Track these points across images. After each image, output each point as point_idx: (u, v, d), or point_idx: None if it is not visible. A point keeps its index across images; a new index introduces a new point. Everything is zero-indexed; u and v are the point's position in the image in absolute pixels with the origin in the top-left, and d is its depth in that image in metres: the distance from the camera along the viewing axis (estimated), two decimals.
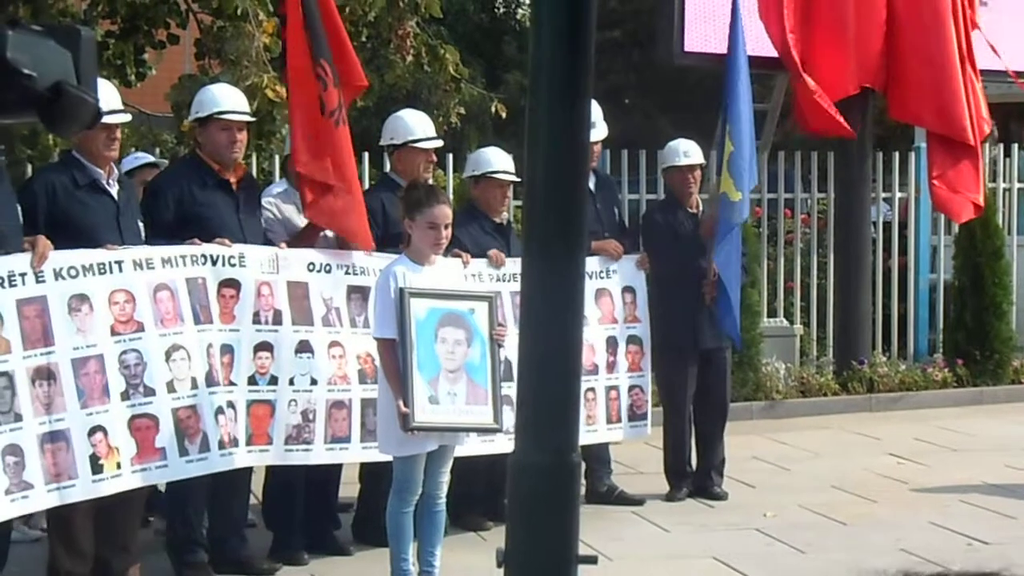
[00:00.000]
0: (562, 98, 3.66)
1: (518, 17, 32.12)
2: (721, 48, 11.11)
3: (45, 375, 6.76)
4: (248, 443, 7.49)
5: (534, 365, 3.76)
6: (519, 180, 9.70)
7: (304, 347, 7.73)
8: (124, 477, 6.97)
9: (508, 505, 3.94)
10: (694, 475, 9.76)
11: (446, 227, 7.33)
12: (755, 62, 12.02)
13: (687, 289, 9.53)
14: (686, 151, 9.85)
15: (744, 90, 9.75)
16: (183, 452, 7.16)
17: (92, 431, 6.87)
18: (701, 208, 9.84)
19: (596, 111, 8.98)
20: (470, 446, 7.81)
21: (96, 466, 6.87)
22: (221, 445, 7.32)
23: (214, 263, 7.45)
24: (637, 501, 9.50)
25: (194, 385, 7.24)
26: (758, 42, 12.16)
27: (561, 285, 3.72)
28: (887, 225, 14.72)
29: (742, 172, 9.59)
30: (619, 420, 9.07)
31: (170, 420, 7.13)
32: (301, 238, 8.05)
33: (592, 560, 3.86)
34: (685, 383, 9.73)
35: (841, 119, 12.58)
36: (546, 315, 3.72)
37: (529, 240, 3.78)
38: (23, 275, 6.71)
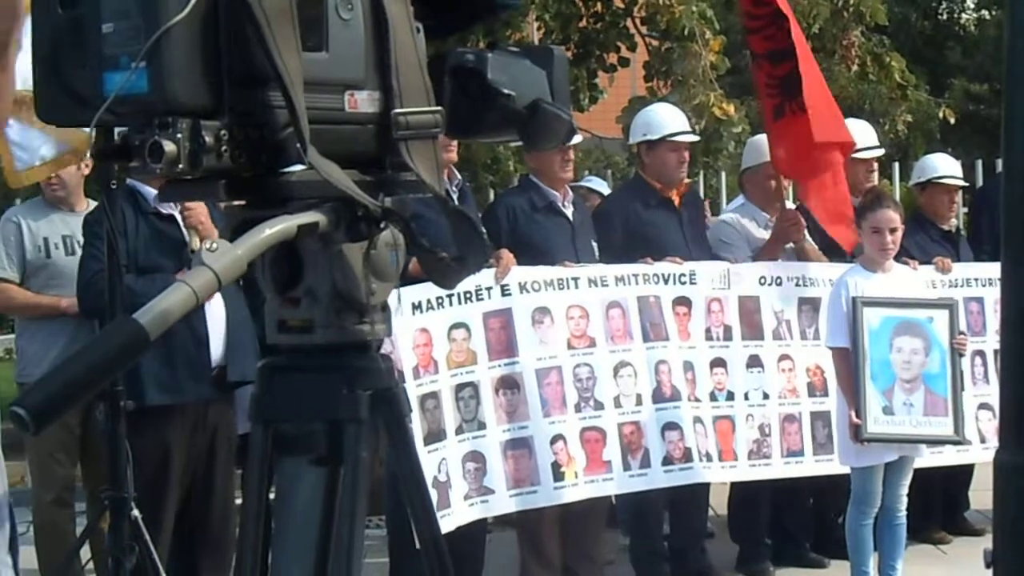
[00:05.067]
0: None
1: (962, 22, 31.26)
2: None
3: (509, 384, 7.04)
4: (720, 459, 7.60)
5: (1019, 364, 3.72)
6: (967, 185, 9.51)
7: (755, 362, 7.78)
8: (579, 487, 7.19)
9: (994, 506, 3.91)
10: None
11: (892, 231, 7.24)
12: None
13: None
14: None
15: None
16: (626, 467, 7.31)
17: (554, 439, 7.11)
18: None
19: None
20: (934, 457, 7.70)
21: (557, 473, 7.10)
22: (690, 458, 7.43)
23: (666, 282, 7.59)
24: None
25: (639, 402, 7.38)
26: None
27: None
28: None
29: None
30: None
31: (616, 434, 7.30)
32: (765, 252, 8.09)
33: None
34: None
35: None
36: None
37: (1009, 242, 3.76)
38: (489, 289, 7.03)
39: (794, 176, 8.41)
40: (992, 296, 8.21)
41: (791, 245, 8.16)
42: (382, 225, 2.37)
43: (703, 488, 7.94)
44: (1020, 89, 3.69)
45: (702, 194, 10.91)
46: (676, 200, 7.99)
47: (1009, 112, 3.71)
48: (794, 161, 8.14)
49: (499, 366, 7.02)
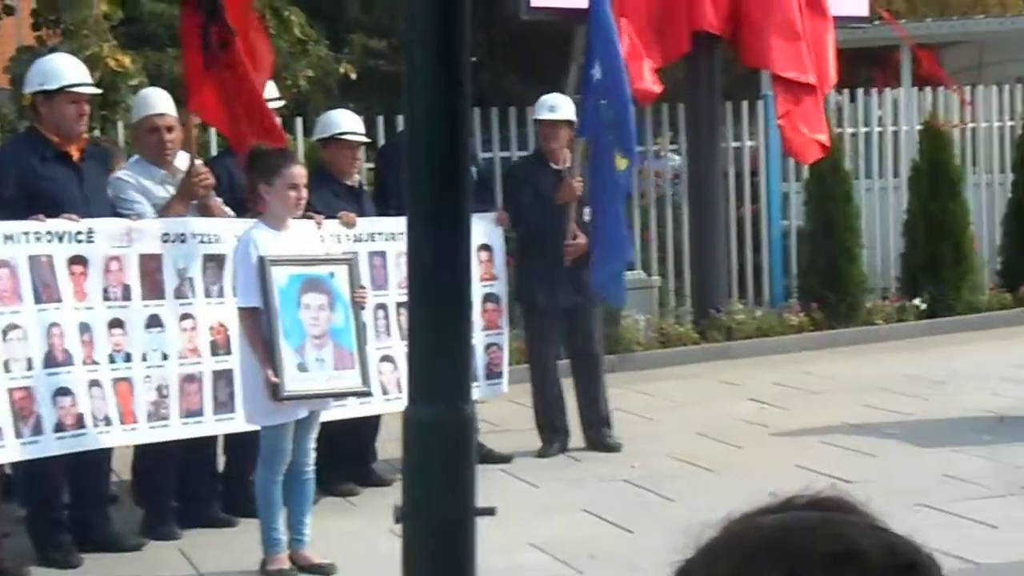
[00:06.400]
0: (439, 55, 3.66)
1: None
2: (568, 3, 11.07)
3: None
4: (121, 422, 7.37)
5: (425, 320, 3.77)
6: (369, 141, 9.64)
7: (154, 321, 7.61)
8: None
9: (403, 460, 3.97)
10: (584, 430, 9.77)
11: (304, 187, 7.26)
12: (558, 13, 12.15)
13: (549, 246, 9.46)
14: (552, 105, 9.74)
15: (616, 53, 9.56)
16: (19, 434, 6.99)
17: None
18: (568, 165, 9.72)
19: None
20: (338, 410, 7.78)
21: None
22: (83, 424, 7.18)
23: (60, 240, 7.26)
24: (505, 458, 9.48)
25: (30, 366, 7.07)
26: None
27: (450, 241, 3.74)
28: (738, 173, 14.84)
29: (626, 140, 9.51)
30: (475, 379, 9.00)
31: (6, 400, 6.96)
32: (170, 208, 7.87)
33: (490, 512, 3.84)
34: (549, 340, 9.72)
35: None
36: (435, 271, 3.72)
37: (415, 198, 3.76)
38: None
39: (219, 127, 8.21)
40: (394, 250, 8.40)
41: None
42: None
43: (105, 453, 7.70)
44: (420, 49, 3.70)
45: None
46: (76, 155, 7.66)
47: (410, 73, 3.71)
48: (221, 113, 7.98)
49: None
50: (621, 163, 9.42)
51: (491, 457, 9.40)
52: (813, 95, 12.85)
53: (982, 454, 9.00)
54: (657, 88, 12.65)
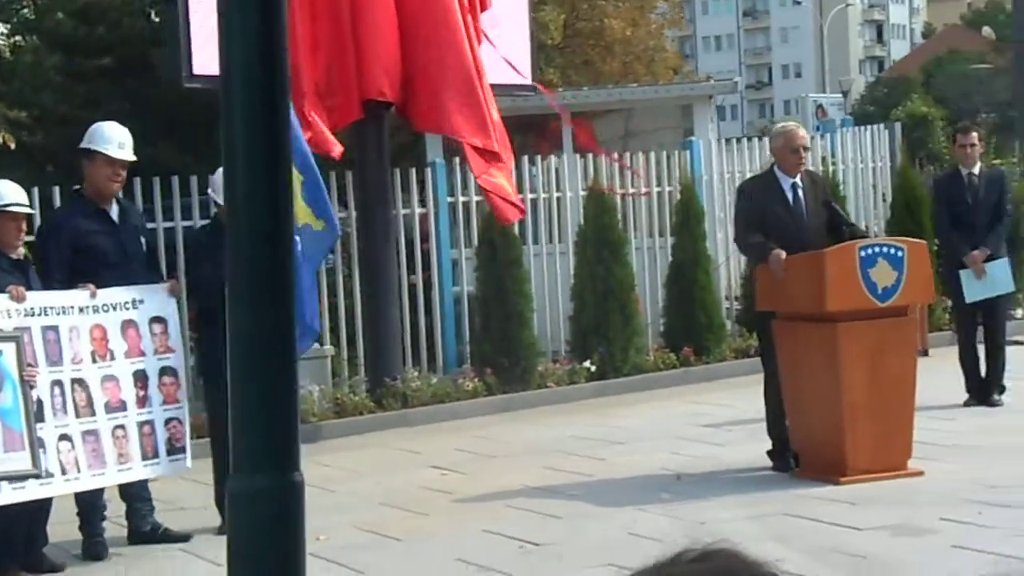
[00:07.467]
0: (260, 116, 3.67)
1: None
2: None
3: None
4: None
5: (250, 388, 3.72)
6: (33, 212, 9.25)
7: None
8: None
9: (229, 535, 3.87)
10: None
11: None
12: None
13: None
14: None
15: (293, 117, 9.41)
16: None
17: None
18: None
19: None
20: (16, 493, 7.38)
21: None
22: None
23: None
24: (183, 537, 9.17)
25: None
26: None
27: (272, 308, 3.71)
28: (409, 241, 14.84)
29: (319, 200, 9.36)
30: (156, 456, 8.71)
31: None
32: None
33: None
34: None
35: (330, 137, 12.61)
36: (259, 338, 3.72)
37: (237, 265, 3.75)
38: None
39: None
40: (67, 324, 8.13)
41: None
42: None
43: None
44: (235, 156, 3.67)
45: None
46: None
47: (229, 155, 3.69)
48: None
49: None
50: (317, 224, 9.30)
51: (169, 536, 9.09)
52: (499, 161, 12.97)
53: (663, 512, 9.13)
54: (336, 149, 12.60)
